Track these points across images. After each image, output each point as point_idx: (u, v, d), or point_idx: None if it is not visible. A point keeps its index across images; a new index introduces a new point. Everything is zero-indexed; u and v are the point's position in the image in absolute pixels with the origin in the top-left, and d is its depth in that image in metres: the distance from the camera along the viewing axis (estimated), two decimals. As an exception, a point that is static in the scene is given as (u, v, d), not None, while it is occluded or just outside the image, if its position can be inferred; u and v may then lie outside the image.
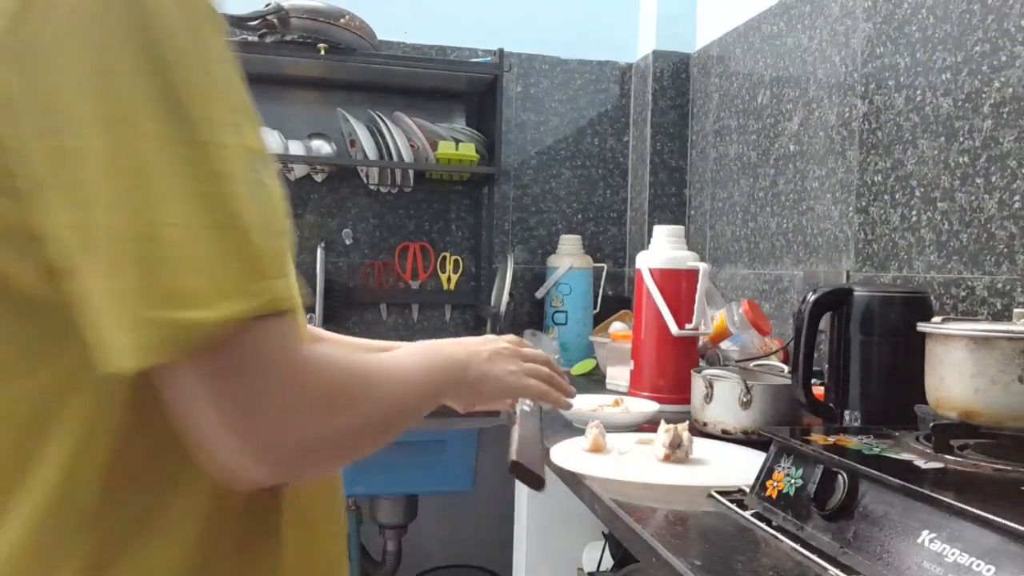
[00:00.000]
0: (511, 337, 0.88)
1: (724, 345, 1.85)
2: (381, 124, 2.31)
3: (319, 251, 2.35)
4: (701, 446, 1.27)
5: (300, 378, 0.50)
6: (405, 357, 0.68)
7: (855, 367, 1.23)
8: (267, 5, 2.11)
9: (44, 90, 0.43)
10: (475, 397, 0.78)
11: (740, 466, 1.16)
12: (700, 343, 1.78)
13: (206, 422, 0.47)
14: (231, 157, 0.46)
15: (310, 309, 2.24)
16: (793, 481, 0.92)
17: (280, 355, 0.49)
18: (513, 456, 0.77)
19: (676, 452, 1.19)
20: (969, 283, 1.39)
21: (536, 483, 0.78)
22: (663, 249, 1.73)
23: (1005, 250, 1.32)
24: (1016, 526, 0.64)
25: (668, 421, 1.24)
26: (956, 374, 0.93)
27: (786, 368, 1.55)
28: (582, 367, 2.19)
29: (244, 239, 0.45)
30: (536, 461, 0.79)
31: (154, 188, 0.44)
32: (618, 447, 1.29)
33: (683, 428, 1.22)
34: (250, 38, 2.14)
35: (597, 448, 1.26)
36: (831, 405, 1.25)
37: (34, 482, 0.51)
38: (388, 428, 0.61)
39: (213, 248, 0.45)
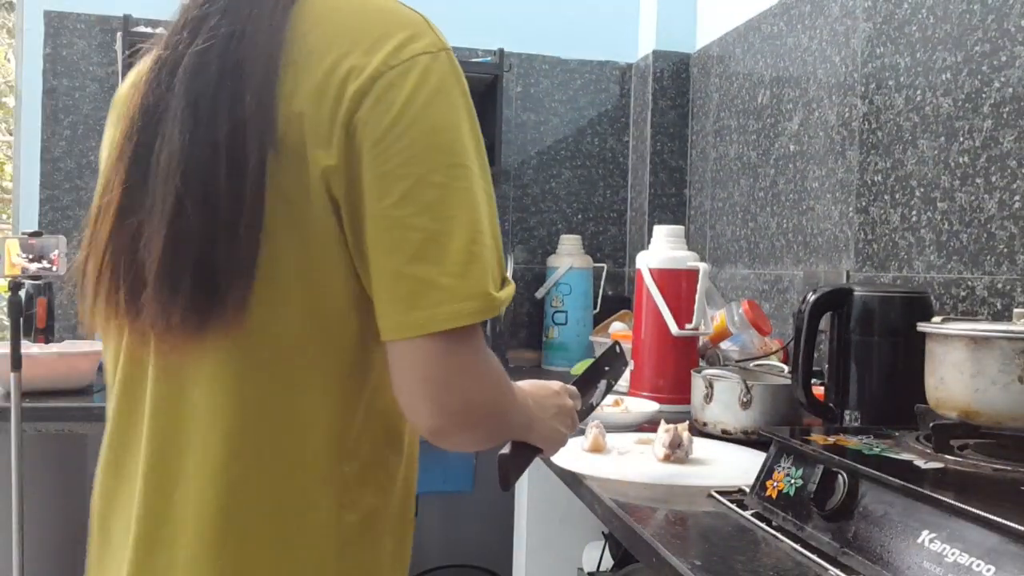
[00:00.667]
0: (573, 391, 0.98)
1: (724, 345, 1.85)
2: (381, 124, 2.30)
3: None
4: (701, 446, 1.27)
5: (488, 370, 0.69)
6: (520, 390, 0.81)
7: (855, 367, 1.23)
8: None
9: (411, 142, 0.64)
10: (525, 437, 0.89)
11: (740, 466, 1.16)
12: (700, 343, 1.78)
13: (412, 390, 0.66)
14: (491, 184, 0.69)
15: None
16: (793, 481, 0.92)
17: (487, 350, 0.69)
18: (506, 450, 0.88)
19: (676, 452, 1.20)
20: (969, 283, 1.39)
21: (505, 483, 0.88)
22: (663, 249, 1.73)
23: (1005, 250, 1.32)
24: (1016, 526, 0.64)
25: (668, 421, 1.24)
26: (956, 374, 0.93)
27: (786, 368, 1.55)
28: (582, 367, 2.19)
29: (500, 244, 0.68)
30: (520, 469, 0.90)
31: (479, 210, 0.65)
32: (618, 447, 1.29)
33: (683, 428, 1.22)
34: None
35: (597, 448, 1.26)
36: (831, 405, 1.25)
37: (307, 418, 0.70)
38: (506, 438, 0.84)
39: (497, 254, 0.67)
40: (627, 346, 1.80)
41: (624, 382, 1.79)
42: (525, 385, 0.87)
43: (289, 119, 0.64)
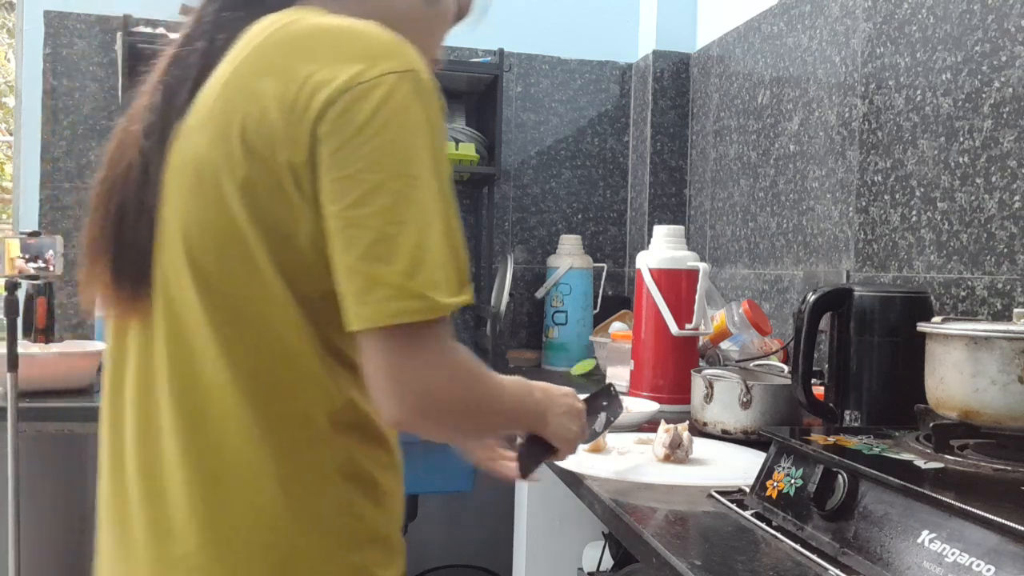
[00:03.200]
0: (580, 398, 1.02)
1: (724, 345, 1.85)
2: (381, 124, 2.30)
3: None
4: (701, 446, 1.27)
5: (449, 365, 0.72)
6: (512, 383, 0.85)
7: (855, 367, 1.23)
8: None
9: (370, 151, 0.69)
10: (539, 433, 0.94)
11: (740, 466, 1.16)
12: (700, 343, 1.78)
13: (373, 382, 0.70)
14: (454, 204, 0.73)
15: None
16: (793, 481, 0.92)
17: (451, 345, 0.72)
18: (522, 441, 0.91)
19: (676, 452, 1.20)
20: (969, 283, 1.39)
21: (524, 471, 0.92)
22: (663, 249, 1.73)
23: (1005, 250, 1.32)
24: (1016, 526, 0.64)
25: (668, 421, 1.24)
26: (956, 374, 0.93)
27: (786, 368, 1.55)
28: (582, 367, 2.19)
29: (461, 257, 0.72)
30: (536, 461, 0.92)
31: (430, 221, 0.69)
32: (618, 447, 1.29)
33: (683, 428, 1.22)
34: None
35: (597, 448, 1.26)
36: (831, 405, 1.25)
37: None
38: (486, 429, 0.89)
39: (455, 263, 0.71)
40: (627, 346, 1.80)
41: (624, 382, 1.79)
42: (538, 383, 0.91)
43: (261, 124, 0.70)
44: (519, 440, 0.93)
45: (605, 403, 1.11)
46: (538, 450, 0.94)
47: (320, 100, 0.69)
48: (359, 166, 0.69)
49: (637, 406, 1.55)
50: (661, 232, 1.75)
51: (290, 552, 0.73)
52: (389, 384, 0.69)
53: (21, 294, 1.68)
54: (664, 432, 1.21)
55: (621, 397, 1.15)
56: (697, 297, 1.67)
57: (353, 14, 0.77)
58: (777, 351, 1.75)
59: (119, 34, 2.11)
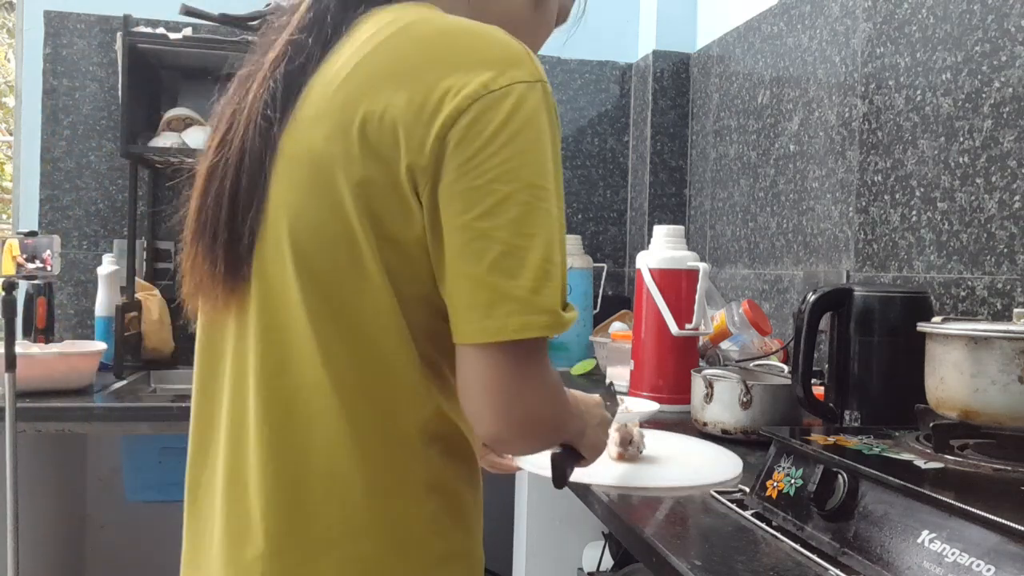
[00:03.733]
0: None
1: (724, 345, 1.85)
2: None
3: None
4: (672, 444, 1.27)
5: (550, 384, 0.72)
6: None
7: (855, 367, 1.23)
8: (267, 5, 2.11)
9: (501, 162, 0.68)
10: (575, 444, 0.94)
11: (692, 464, 1.18)
12: (700, 343, 1.77)
13: (477, 397, 0.69)
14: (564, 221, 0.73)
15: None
16: (793, 481, 0.92)
17: (547, 363, 0.71)
18: (558, 450, 0.91)
19: (628, 449, 1.19)
20: (969, 283, 1.39)
21: (563, 481, 0.91)
22: (663, 249, 1.73)
23: (1005, 250, 1.32)
24: (1016, 526, 0.64)
25: (623, 423, 1.23)
26: (956, 374, 0.93)
27: (786, 368, 1.55)
28: (582, 367, 2.19)
29: (566, 275, 0.71)
30: (571, 470, 0.92)
31: (554, 233, 0.69)
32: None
33: (633, 425, 1.22)
34: (250, 38, 2.14)
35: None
36: (831, 405, 1.25)
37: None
38: (555, 444, 0.87)
39: (565, 273, 0.70)
40: (627, 346, 1.80)
41: (624, 382, 1.79)
42: (576, 393, 0.91)
43: (383, 124, 0.68)
44: (553, 450, 0.93)
45: (608, 404, 1.12)
46: (572, 460, 0.94)
47: (450, 106, 0.68)
48: (489, 176, 0.67)
49: (637, 406, 1.55)
50: (661, 232, 1.75)
51: (369, 566, 0.72)
52: (497, 399, 0.68)
53: (21, 295, 1.68)
54: (614, 431, 1.20)
55: (618, 396, 1.15)
56: (697, 297, 1.67)
57: (465, 14, 0.77)
58: (777, 351, 1.75)
59: (119, 34, 2.11)
